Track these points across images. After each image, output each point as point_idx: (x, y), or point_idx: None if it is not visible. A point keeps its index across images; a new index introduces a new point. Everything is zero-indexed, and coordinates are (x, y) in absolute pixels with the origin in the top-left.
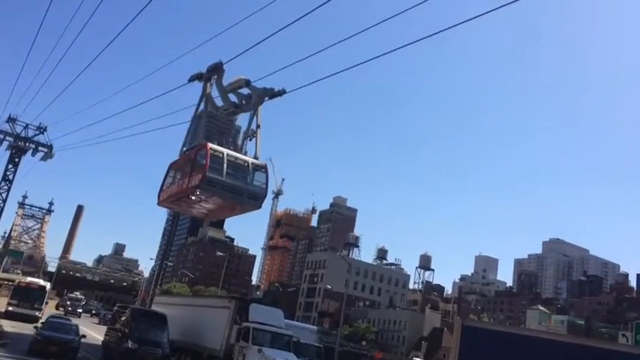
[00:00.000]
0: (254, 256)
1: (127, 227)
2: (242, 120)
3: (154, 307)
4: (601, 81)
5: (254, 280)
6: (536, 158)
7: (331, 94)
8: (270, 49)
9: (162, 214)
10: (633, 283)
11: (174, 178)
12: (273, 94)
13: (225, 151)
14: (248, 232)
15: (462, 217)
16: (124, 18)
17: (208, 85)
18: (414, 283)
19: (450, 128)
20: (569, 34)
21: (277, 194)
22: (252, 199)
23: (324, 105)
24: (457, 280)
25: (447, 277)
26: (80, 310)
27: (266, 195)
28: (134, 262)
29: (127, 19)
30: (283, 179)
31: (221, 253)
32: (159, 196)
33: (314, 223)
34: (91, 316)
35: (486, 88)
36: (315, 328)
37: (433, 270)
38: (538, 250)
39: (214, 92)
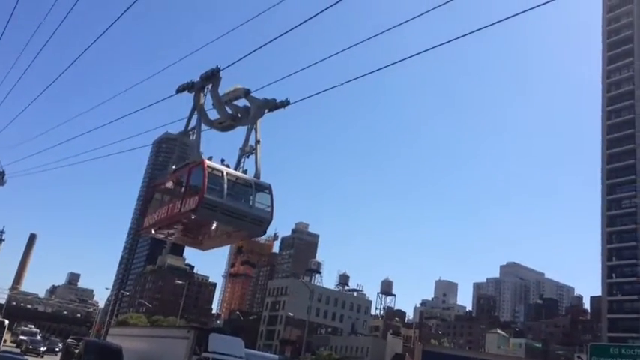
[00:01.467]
0: (214, 284)
1: (82, 256)
2: (225, 137)
3: (109, 339)
4: (551, 107)
5: (214, 308)
6: (494, 183)
7: (292, 118)
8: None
9: (119, 241)
10: (587, 305)
11: (161, 201)
12: (275, 105)
13: (225, 169)
14: (208, 259)
15: (422, 242)
16: (86, 36)
17: (202, 95)
18: (376, 308)
19: (411, 153)
20: (515, 63)
21: None
22: (255, 225)
23: (286, 131)
24: (418, 305)
25: (408, 302)
26: (43, 349)
27: (272, 219)
28: (89, 292)
29: (90, 37)
30: None
31: (180, 282)
32: (142, 222)
33: (276, 249)
34: (57, 355)
35: (443, 113)
36: (276, 356)
37: (394, 295)
38: (496, 274)
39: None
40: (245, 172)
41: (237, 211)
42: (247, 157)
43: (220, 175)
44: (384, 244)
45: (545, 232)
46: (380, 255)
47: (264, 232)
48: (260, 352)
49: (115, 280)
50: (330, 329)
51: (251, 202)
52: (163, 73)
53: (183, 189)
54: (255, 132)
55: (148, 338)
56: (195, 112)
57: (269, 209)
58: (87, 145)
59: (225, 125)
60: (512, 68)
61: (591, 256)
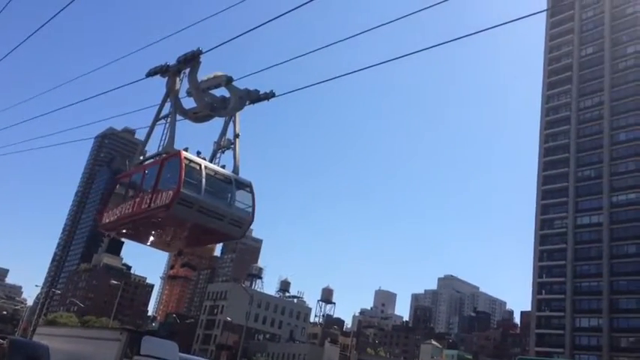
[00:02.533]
0: (152, 286)
1: (11, 250)
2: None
3: (36, 339)
4: (494, 127)
5: (150, 310)
6: (436, 199)
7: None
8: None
9: (54, 236)
10: (518, 319)
11: (125, 196)
12: (257, 97)
13: (203, 162)
14: (147, 260)
15: (364, 253)
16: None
17: (177, 80)
18: (315, 316)
19: (355, 163)
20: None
21: None
22: (234, 226)
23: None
24: (357, 314)
25: (348, 310)
26: None
27: (252, 221)
28: (17, 289)
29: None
30: None
31: (116, 282)
32: (99, 217)
33: (217, 252)
34: None
35: (386, 125)
36: None
37: (334, 303)
38: (434, 285)
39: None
40: (223, 167)
41: (215, 209)
42: (223, 151)
43: (198, 168)
44: (327, 252)
45: (482, 247)
46: (322, 263)
47: (244, 235)
48: (195, 357)
49: (46, 278)
50: (268, 336)
51: (230, 201)
52: (122, 62)
53: (154, 182)
54: (234, 125)
55: (78, 339)
56: (169, 100)
57: (250, 209)
58: (24, 134)
59: (200, 115)
60: (458, 87)
61: (524, 273)
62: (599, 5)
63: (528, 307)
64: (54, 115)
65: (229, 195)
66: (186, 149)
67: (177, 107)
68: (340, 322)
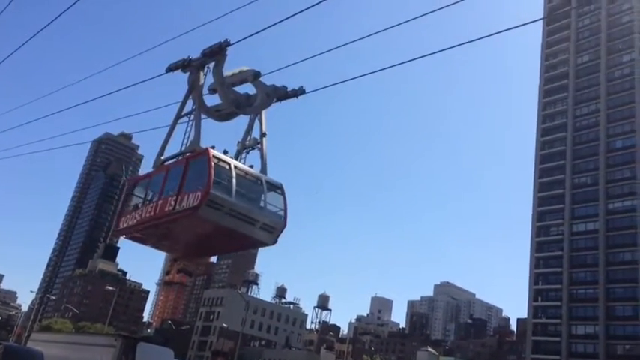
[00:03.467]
0: (147, 292)
1: (7, 255)
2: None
3: (31, 344)
4: (492, 133)
5: (146, 316)
6: (433, 205)
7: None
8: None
9: (49, 241)
10: (514, 326)
11: (144, 198)
12: (285, 94)
13: (232, 161)
14: (143, 265)
15: (361, 259)
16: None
17: (201, 74)
18: (311, 322)
19: (352, 169)
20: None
21: None
22: (266, 231)
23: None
24: (353, 321)
25: (344, 317)
26: None
27: (285, 226)
28: (12, 295)
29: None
30: None
31: (111, 287)
32: (117, 222)
33: (214, 258)
34: None
35: (385, 133)
36: None
37: (330, 310)
38: (430, 292)
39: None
40: (251, 167)
41: (246, 212)
42: (247, 152)
43: (228, 167)
44: (324, 258)
45: (478, 253)
46: (318, 269)
47: (275, 241)
48: None
49: (41, 283)
50: (263, 342)
51: (262, 204)
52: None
53: (178, 184)
54: (260, 123)
55: (72, 345)
56: (191, 96)
57: (282, 213)
58: (20, 139)
59: (224, 113)
60: (456, 94)
61: (520, 280)
62: (594, 14)
63: (524, 314)
64: (51, 120)
65: (261, 197)
66: (212, 147)
67: (201, 104)
68: (336, 329)
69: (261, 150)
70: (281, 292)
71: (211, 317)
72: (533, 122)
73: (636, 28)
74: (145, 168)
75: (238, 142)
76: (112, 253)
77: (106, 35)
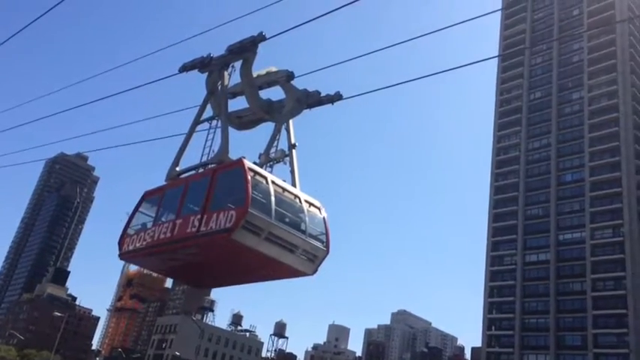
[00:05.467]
0: (98, 318)
1: None
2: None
3: None
4: (450, 164)
5: (95, 344)
6: (391, 235)
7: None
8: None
9: None
10: (469, 355)
11: (156, 217)
12: (318, 100)
13: (269, 175)
14: (94, 290)
15: (319, 286)
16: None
17: (225, 74)
18: (267, 350)
19: (314, 194)
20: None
21: None
22: (306, 259)
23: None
24: (310, 349)
25: (301, 345)
26: None
27: (328, 253)
28: None
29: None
30: None
31: (59, 313)
32: (121, 244)
33: (169, 284)
34: None
35: (345, 162)
36: None
37: (287, 338)
38: (387, 320)
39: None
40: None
41: (288, 238)
42: (271, 166)
43: (265, 182)
44: (281, 286)
45: (435, 282)
46: (276, 296)
47: (316, 272)
48: None
49: None
50: None
51: (304, 226)
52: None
53: (203, 200)
54: (289, 133)
55: None
56: (213, 99)
57: (324, 238)
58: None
59: (247, 120)
60: (415, 123)
61: (475, 308)
62: (547, 52)
63: (479, 343)
64: (4, 136)
65: (302, 219)
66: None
67: (223, 110)
68: (292, 357)
69: (291, 163)
70: (237, 319)
71: (164, 345)
72: (489, 154)
73: (585, 68)
74: (103, 190)
75: (260, 154)
76: (62, 277)
77: (73, 50)
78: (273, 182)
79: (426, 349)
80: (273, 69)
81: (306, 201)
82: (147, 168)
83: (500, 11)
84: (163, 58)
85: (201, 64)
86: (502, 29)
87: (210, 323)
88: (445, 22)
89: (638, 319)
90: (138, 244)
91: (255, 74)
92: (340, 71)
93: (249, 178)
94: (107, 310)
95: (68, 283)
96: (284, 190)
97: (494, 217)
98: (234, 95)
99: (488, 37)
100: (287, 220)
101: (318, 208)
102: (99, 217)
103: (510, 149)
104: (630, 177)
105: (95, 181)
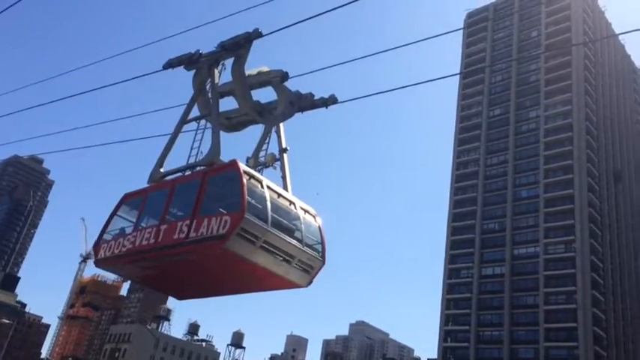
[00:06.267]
0: (48, 326)
1: None
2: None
3: None
4: (412, 179)
5: (44, 353)
6: (350, 247)
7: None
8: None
9: None
10: None
11: (137, 221)
12: (312, 103)
13: (264, 179)
14: (45, 298)
15: (277, 296)
16: None
17: (215, 72)
18: None
19: None
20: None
21: (86, 258)
22: (302, 270)
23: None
24: None
25: (258, 355)
26: None
27: (324, 264)
28: None
29: None
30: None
31: (7, 321)
32: (97, 250)
33: (124, 292)
34: None
35: (304, 174)
36: None
37: (244, 348)
38: (345, 331)
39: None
40: None
41: (284, 247)
42: (260, 171)
43: (260, 186)
44: (239, 295)
45: (393, 293)
46: (234, 306)
47: (310, 284)
48: None
49: None
50: None
51: (300, 235)
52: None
53: (192, 203)
54: (279, 137)
55: None
56: (201, 98)
57: (319, 247)
58: None
59: (235, 122)
60: (377, 135)
61: (432, 320)
62: (506, 71)
63: (435, 355)
64: None
65: (298, 226)
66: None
67: (215, 108)
68: None
69: (282, 169)
70: (194, 328)
71: (117, 355)
72: (449, 168)
73: (542, 87)
74: (58, 194)
75: (248, 158)
76: (11, 283)
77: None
78: (268, 187)
79: None
80: (265, 69)
81: (302, 208)
82: (106, 173)
83: (462, 30)
84: (131, 59)
85: (189, 60)
86: (464, 47)
87: (165, 332)
88: (411, 37)
89: (588, 332)
90: (116, 251)
91: (250, 71)
92: (311, 78)
93: (245, 181)
94: (58, 317)
95: (17, 290)
96: (279, 195)
97: (453, 231)
98: (221, 95)
99: (452, 52)
100: (283, 227)
101: (313, 216)
102: (53, 221)
103: (470, 164)
104: (582, 194)
105: (50, 184)
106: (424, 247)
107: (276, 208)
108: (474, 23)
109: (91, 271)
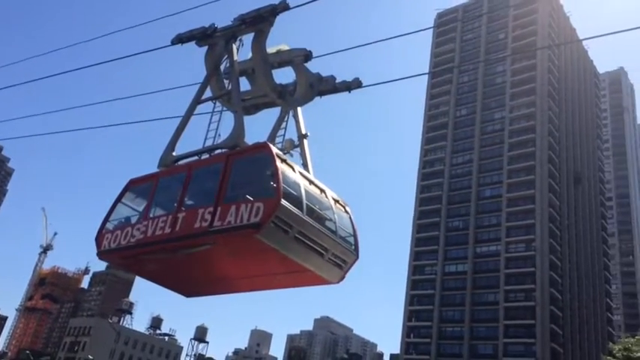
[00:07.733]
0: (5, 318)
1: None
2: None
3: None
4: (378, 176)
5: (0, 346)
6: None
7: (120, 139)
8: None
9: None
10: None
11: (146, 209)
12: (333, 87)
13: (295, 164)
14: (3, 289)
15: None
16: None
17: (233, 48)
18: (187, 355)
19: None
20: None
21: (46, 249)
22: (335, 265)
23: (107, 154)
24: (230, 354)
25: (222, 350)
26: None
27: (357, 258)
28: None
29: None
30: (56, 233)
31: None
32: (99, 241)
33: (85, 284)
34: None
35: None
36: None
37: (208, 342)
38: (310, 326)
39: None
40: None
41: (319, 238)
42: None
43: (292, 170)
44: None
45: (357, 289)
46: (198, 300)
47: (342, 279)
48: None
49: None
50: None
51: (334, 226)
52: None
53: (216, 189)
54: (297, 121)
55: None
56: (218, 76)
57: (352, 240)
58: None
59: (250, 104)
60: (345, 132)
61: (396, 316)
62: (473, 72)
63: (398, 350)
64: None
65: (331, 217)
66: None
67: (237, 85)
68: None
69: (303, 156)
70: (156, 322)
71: (76, 348)
72: (416, 166)
73: (508, 89)
74: (17, 183)
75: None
76: None
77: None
78: (301, 173)
79: (346, 355)
80: (285, 47)
81: (332, 197)
82: (68, 160)
83: (432, 29)
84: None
85: (203, 34)
86: (433, 47)
87: (127, 326)
88: (383, 33)
89: (545, 329)
90: (123, 242)
91: (271, 49)
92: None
93: (279, 165)
94: (16, 309)
95: None
96: (310, 182)
97: (418, 228)
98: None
99: (422, 51)
100: (316, 217)
101: (343, 206)
102: (12, 211)
103: (436, 163)
104: (543, 195)
105: (10, 172)
106: (390, 244)
107: (309, 195)
108: (444, 23)
109: (50, 262)
